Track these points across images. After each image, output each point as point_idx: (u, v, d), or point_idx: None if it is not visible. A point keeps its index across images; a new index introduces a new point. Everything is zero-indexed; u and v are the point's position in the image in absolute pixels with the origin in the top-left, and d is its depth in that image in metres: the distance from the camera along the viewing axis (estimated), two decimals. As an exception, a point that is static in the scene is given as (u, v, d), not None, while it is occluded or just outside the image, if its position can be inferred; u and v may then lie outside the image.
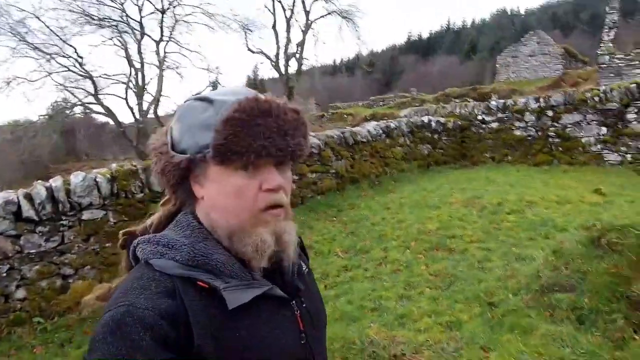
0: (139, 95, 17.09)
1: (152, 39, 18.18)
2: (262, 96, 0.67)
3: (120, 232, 0.77)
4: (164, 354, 0.57)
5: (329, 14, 21.04)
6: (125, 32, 17.55)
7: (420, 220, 5.09)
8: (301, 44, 21.02)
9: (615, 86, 7.65)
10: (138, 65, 17.68)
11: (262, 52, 21.00)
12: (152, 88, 19.49)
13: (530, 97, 8.86)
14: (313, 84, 27.49)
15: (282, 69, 20.86)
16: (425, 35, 66.60)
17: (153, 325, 0.58)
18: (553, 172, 7.67)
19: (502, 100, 9.23)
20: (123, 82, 17.31)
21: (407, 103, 26.04)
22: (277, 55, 20.74)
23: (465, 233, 4.55)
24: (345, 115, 23.59)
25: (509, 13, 62.36)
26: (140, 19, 17.88)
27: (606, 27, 23.29)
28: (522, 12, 62.55)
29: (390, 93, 34.57)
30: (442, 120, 9.00)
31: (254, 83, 26.61)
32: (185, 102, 0.72)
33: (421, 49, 58.63)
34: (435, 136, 8.81)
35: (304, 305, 0.76)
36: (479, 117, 9.13)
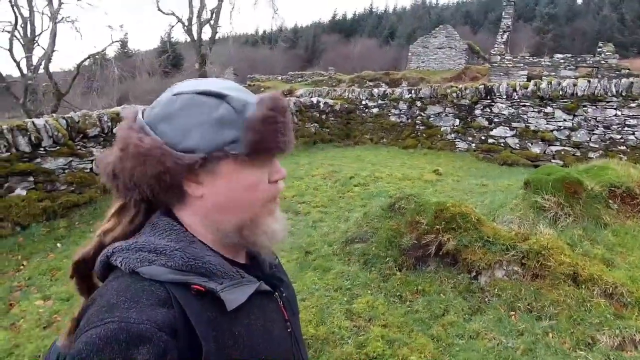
0: (28, 48, 15.65)
1: (45, -14, 16.61)
2: (278, 94, 0.70)
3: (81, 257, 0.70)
4: None
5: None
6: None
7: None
8: (216, 11, 20.62)
9: (468, 85, 9.05)
10: (27, 14, 16.12)
11: (173, 14, 20.28)
12: (43, 41, 17.91)
13: (405, 88, 10.07)
14: (230, 53, 27.12)
15: (195, 35, 20.35)
16: (349, 15, 67.94)
17: (151, 339, 0.55)
18: (416, 154, 8.95)
19: (382, 89, 10.36)
20: (7, 31, 15.70)
21: (323, 82, 26.93)
22: (189, 20, 20.15)
23: (314, 200, 5.42)
24: (262, 89, 23.84)
25: (427, 4, 65.83)
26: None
27: (501, 30, 26.05)
28: (440, 4, 66.38)
29: (310, 70, 35.27)
30: (331, 102, 9.88)
31: (167, 46, 25.56)
32: (172, 96, 0.66)
33: (344, 29, 59.84)
34: (323, 116, 9.68)
35: (284, 294, 0.79)
36: (364, 102, 10.17)
